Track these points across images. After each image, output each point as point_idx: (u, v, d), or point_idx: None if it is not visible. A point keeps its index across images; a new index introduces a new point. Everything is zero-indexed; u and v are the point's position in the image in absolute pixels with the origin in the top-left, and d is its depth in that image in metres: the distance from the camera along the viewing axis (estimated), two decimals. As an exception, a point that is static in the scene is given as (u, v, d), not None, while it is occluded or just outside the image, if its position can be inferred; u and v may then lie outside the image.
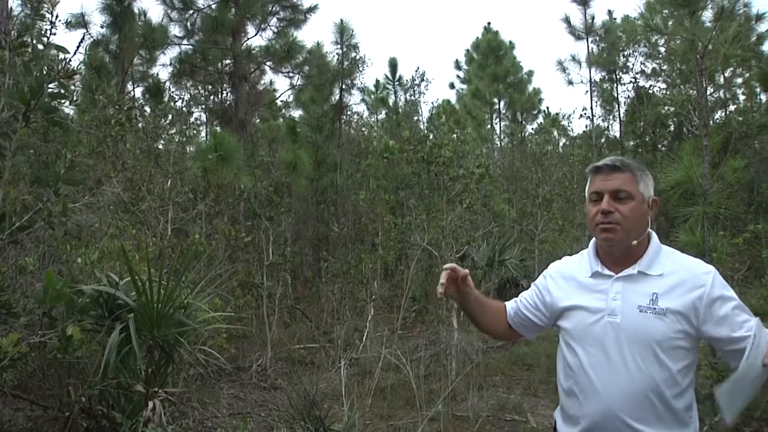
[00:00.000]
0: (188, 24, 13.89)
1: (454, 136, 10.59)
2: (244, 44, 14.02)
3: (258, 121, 17.14)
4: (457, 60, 26.06)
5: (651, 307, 1.98)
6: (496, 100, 23.73)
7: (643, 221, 2.08)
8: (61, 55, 3.12)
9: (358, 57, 16.40)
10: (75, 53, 3.05)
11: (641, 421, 1.95)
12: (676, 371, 1.96)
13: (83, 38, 3.33)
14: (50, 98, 3.00)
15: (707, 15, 7.22)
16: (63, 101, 3.26)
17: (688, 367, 2.00)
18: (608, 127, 19.71)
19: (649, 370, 1.96)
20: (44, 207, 3.04)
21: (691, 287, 1.97)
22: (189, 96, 15.18)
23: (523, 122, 24.84)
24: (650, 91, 17.92)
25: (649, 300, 1.99)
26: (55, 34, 3.01)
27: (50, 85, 2.97)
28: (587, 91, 18.47)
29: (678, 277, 2.00)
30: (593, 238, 2.21)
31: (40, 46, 3.03)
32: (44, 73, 2.90)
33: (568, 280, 2.23)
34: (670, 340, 1.95)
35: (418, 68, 30.84)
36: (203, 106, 15.78)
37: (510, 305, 2.44)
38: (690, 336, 1.98)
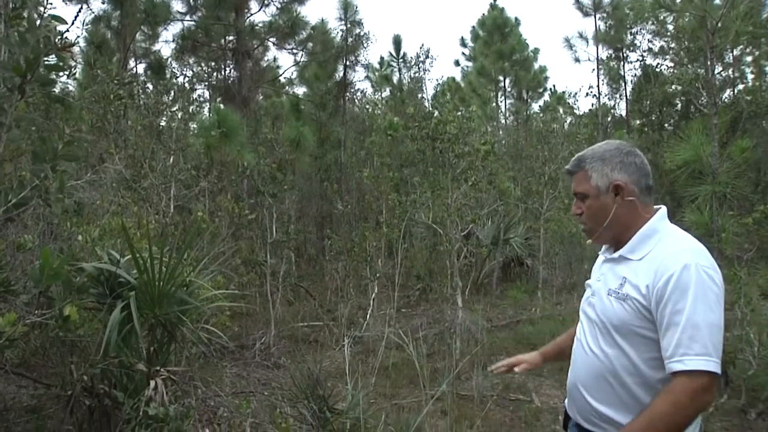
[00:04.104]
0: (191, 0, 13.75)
1: (459, 113, 10.46)
2: (247, 20, 13.90)
3: (261, 98, 17.05)
4: (462, 37, 25.91)
5: (616, 291, 1.99)
6: (501, 78, 23.57)
7: (605, 212, 2.07)
8: (59, 28, 3.05)
9: (362, 33, 16.28)
10: (73, 23, 2.97)
11: (600, 401, 2.00)
12: (640, 360, 1.91)
13: (81, 8, 3.25)
14: (47, 70, 2.92)
15: (718, -9, 7.11)
16: (60, 73, 3.19)
17: (658, 360, 1.89)
18: (614, 105, 19.59)
19: (608, 353, 1.98)
20: (41, 183, 2.97)
21: (650, 274, 1.90)
22: (192, 72, 15.06)
23: (529, 100, 24.69)
24: (657, 70, 17.76)
25: (618, 284, 2.00)
26: (51, 3, 2.93)
27: (47, 58, 2.89)
28: (594, 69, 18.36)
29: (650, 263, 1.94)
30: None
31: (36, 17, 2.95)
32: (40, 43, 2.82)
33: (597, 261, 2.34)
34: (626, 326, 1.93)
35: (422, 45, 30.57)
36: (206, 83, 15.67)
37: None
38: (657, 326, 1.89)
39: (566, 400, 2.22)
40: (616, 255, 2.07)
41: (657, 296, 1.86)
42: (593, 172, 2.07)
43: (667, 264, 1.87)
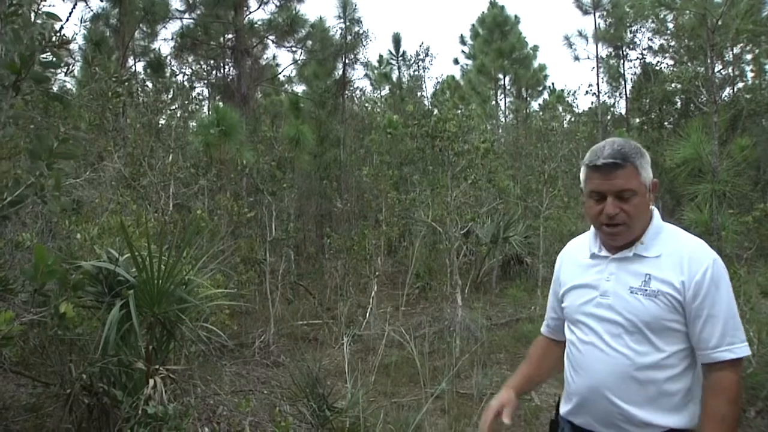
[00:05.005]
0: (189, -3, 13.73)
1: (459, 111, 10.46)
2: (247, 18, 13.87)
3: (260, 96, 17.04)
4: (462, 35, 25.86)
5: (642, 289, 1.96)
6: (501, 76, 23.56)
7: (648, 209, 2.03)
8: (56, 25, 3.04)
9: (361, 31, 16.26)
10: (67, 20, 2.97)
11: (628, 402, 1.95)
12: (670, 354, 1.94)
13: (75, 5, 3.23)
14: (42, 67, 2.90)
15: (718, -11, 7.10)
16: (55, 71, 3.17)
17: (687, 351, 1.97)
18: (614, 103, 19.57)
19: (639, 351, 1.95)
20: (36, 181, 2.95)
21: (684, 269, 1.93)
22: (191, 71, 15.05)
23: (528, 98, 24.68)
24: (657, 68, 17.74)
25: (642, 281, 1.97)
26: (46, 1, 2.92)
27: (42, 55, 2.88)
28: (594, 67, 18.35)
29: (674, 258, 1.96)
30: None
31: (31, 14, 2.93)
32: (34, 40, 2.79)
33: (570, 262, 2.25)
34: (659, 322, 1.93)
35: (422, 43, 30.49)
36: (205, 81, 15.66)
37: (545, 329, 2.45)
38: (685, 319, 1.95)
39: (568, 408, 2.15)
40: (630, 254, 2.02)
41: (695, 289, 1.90)
42: (642, 169, 1.97)
43: (698, 258, 1.93)
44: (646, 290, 1.95)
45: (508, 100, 24.99)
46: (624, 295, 1.99)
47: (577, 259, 2.20)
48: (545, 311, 2.49)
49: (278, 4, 14.27)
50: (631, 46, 18.33)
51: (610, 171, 1.95)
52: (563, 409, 2.19)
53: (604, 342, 2.01)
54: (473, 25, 24.42)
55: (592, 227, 2.18)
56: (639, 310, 1.95)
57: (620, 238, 2.03)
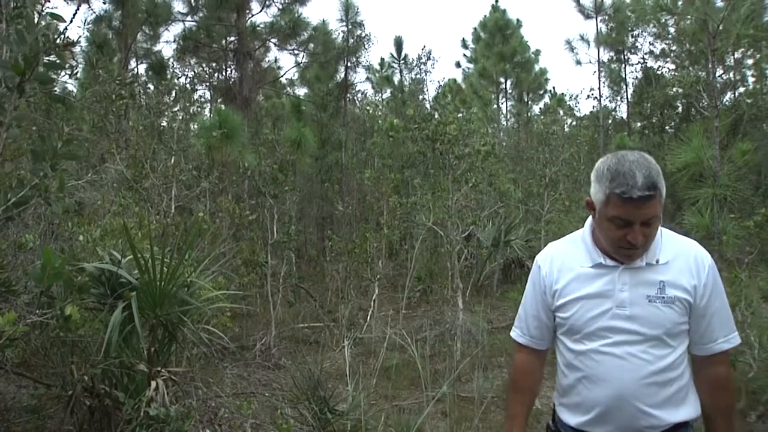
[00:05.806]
0: (192, 0, 13.74)
1: (460, 115, 10.47)
2: (249, 21, 13.89)
3: (262, 98, 17.05)
4: (463, 39, 25.82)
5: (660, 297, 1.98)
6: (502, 80, 23.54)
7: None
8: (60, 26, 3.05)
9: (363, 35, 16.26)
10: (71, 21, 2.97)
11: (651, 405, 1.97)
12: (680, 353, 2.01)
13: (79, 6, 3.24)
14: (46, 68, 2.91)
15: (718, -6, 7.11)
16: (59, 72, 3.18)
17: (686, 348, 2.06)
18: (615, 107, 19.58)
19: (656, 356, 1.97)
20: (41, 182, 2.96)
21: (693, 273, 2.01)
22: (193, 73, 15.07)
23: (530, 102, 24.68)
24: (658, 72, 17.75)
25: (657, 289, 1.98)
26: (50, 2, 2.92)
27: (46, 56, 2.88)
28: (595, 72, 18.36)
29: (681, 263, 2.02)
30: (588, 223, 2.15)
31: (35, 15, 2.94)
32: (38, 41, 2.80)
33: (566, 271, 2.15)
34: (677, 326, 1.98)
35: (424, 47, 30.42)
36: (207, 84, 15.69)
37: (526, 340, 2.36)
38: (689, 318, 2.03)
39: (585, 419, 2.09)
40: (642, 263, 2.00)
41: (704, 290, 2.00)
42: (664, 191, 1.91)
43: (702, 260, 2.03)
44: (664, 297, 1.97)
45: (509, 103, 24.99)
46: (643, 304, 1.98)
47: (575, 268, 2.12)
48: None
49: (280, 7, 14.30)
50: (633, 51, 18.34)
51: (644, 203, 1.87)
52: (574, 420, 2.13)
53: (623, 351, 1.99)
54: (475, 28, 24.38)
55: (583, 235, 2.15)
56: (660, 318, 1.97)
57: (635, 258, 2.00)
